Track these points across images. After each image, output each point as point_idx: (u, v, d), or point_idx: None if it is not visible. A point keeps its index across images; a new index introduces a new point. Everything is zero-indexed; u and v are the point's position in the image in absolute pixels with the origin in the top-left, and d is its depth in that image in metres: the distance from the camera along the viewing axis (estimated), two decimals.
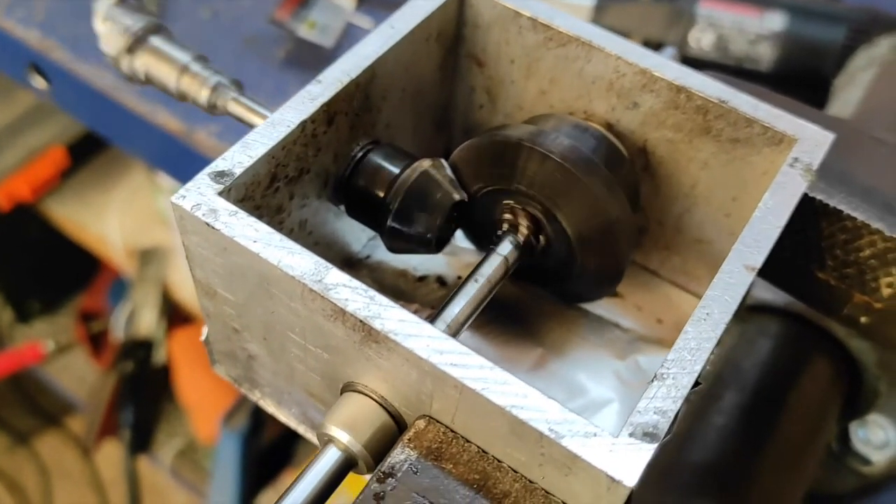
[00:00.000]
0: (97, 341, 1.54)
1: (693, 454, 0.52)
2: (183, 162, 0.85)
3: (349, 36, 0.85)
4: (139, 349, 1.38)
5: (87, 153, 1.34)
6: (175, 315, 1.40)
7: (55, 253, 1.51)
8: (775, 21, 0.75)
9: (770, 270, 0.43)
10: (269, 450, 1.33)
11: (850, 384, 0.58)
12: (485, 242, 0.44)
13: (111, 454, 1.54)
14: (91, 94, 0.84)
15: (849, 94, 0.70)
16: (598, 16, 0.80)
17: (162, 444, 1.50)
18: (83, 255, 1.44)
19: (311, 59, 0.85)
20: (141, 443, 1.44)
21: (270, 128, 0.37)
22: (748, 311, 0.58)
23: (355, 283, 0.32)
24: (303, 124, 0.38)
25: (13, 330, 1.58)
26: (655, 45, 0.77)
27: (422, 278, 0.48)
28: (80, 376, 1.58)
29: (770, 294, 0.56)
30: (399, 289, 0.48)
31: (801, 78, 0.75)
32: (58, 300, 1.60)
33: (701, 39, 0.76)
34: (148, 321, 1.36)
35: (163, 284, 1.36)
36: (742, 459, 0.52)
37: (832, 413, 0.58)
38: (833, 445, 0.62)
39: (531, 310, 0.47)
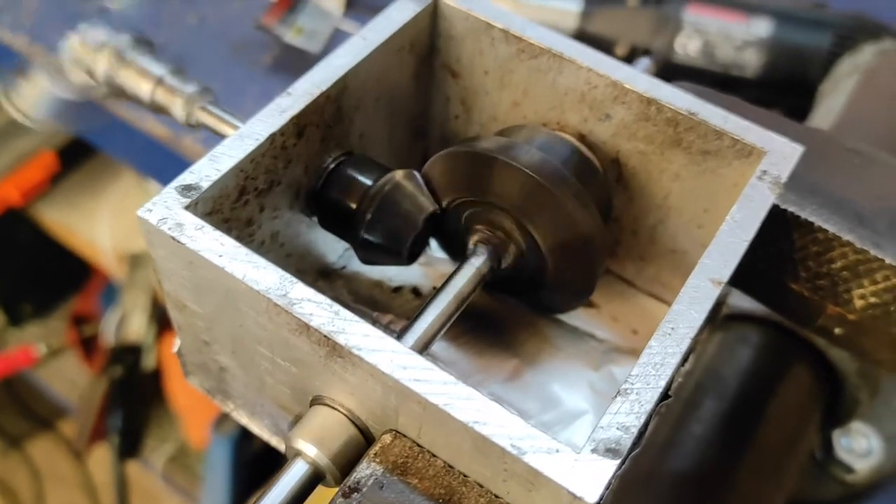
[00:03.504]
0: (89, 345, 1.54)
1: (672, 462, 0.52)
2: (170, 168, 0.85)
3: (337, 42, 0.85)
4: (129, 354, 1.38)
5: (76, 158, 1.34)
6: (165, 320, 1.40)
7: (47, 257, 1.51)
8: (761, 27, 0.75)
9: (744, 281, 0.43)
10: (260, 454, 1.33)
11: (831, 393, 0.58)
12: (458, 253, 0.44)
13: (103, 458, 1.53)
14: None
15: (833, 101, 0.70)
16: (585, 22, 0.80)
17: (153, 448, 1.50)
18: (76, 258, 1.44)
19: (299, 66, 0.85)
20: (130, 447, 1.44)
21: (239, 140, 0.37)
22: (728, 319, 0.58)
23: (320, 297, 0.32)
24: (272, 137, 0.38)
25: (5, 334, 1.57)
26: (642, 52, 0.77)
27: (397, 289, 0.48)
28: (72, 380, 1.57)
29: (750, 303, 0.56)
30: (374, 299, 0.48)
31: (787, 84, 0.76)
32: (50, 304, 1.60)
33: (687, 45, 0.76)
34: (138, 326, 1.36)
35: (153, 289, 1.36)
36: (721, 468, 0.52)
37: (812, 422, 0.58)
38: (816, 454, 0.62)
39: (506, 321, 0.47)
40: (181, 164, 0.82)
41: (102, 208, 1.34)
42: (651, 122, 0.41)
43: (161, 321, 1.39)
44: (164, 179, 0.92)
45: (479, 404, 0.30)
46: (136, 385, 1.40)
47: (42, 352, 1.50)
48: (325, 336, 0.32)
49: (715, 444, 0.53)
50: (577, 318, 0.47)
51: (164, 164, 0.86)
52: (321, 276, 0.48)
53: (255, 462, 1.32)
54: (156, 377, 1.44)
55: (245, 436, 1.27)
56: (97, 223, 1.33)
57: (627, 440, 0.30)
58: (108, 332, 1.41)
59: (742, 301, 0.57)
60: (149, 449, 1.49)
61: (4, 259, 1.51)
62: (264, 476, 1.34)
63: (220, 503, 1.33)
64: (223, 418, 1.27)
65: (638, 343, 0.47)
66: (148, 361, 1.40)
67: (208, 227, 0.34)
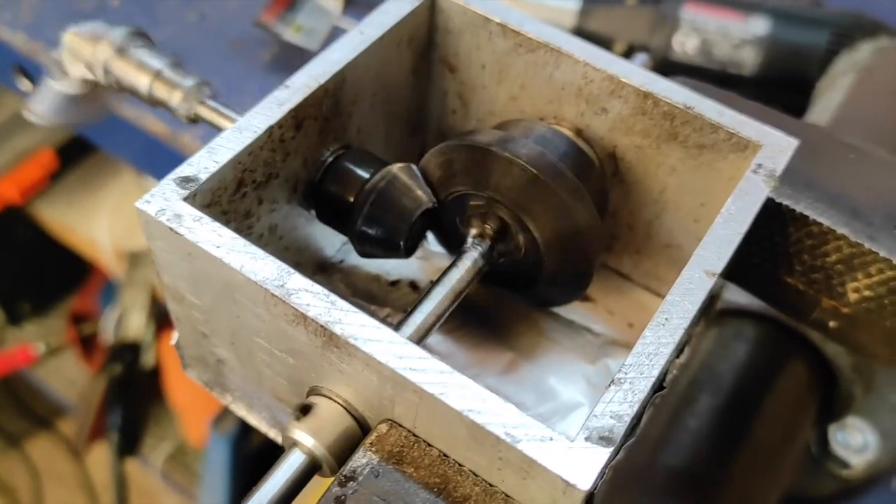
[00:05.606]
0: (88, 344, 1.54)
1: (667, 457, 0.52)
2: (168, 165, 0.85)
3: (335, 40, 0.85)
4: (128, 352, 1.38)
5: (75, 156, 1.35)
6: (164, 318, 1.40)
7: (46, 255, 1.51)
8: (759, 25, 0.75)
9: (740, 275, 0.44)
10: (259, 452, 1.33)
11: (826, 388, 0.59)
12: (455, 246, 0.44)
13: (102, 457, 1.53)
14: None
15: (829, 99, 0.70)
16: (583, 20, 0.80)
17: (152, 447, 1.50)
18: (75, 256, 1.44)
19: (297, 63, 0.84)
20: (129, 446, 1.44)
21: (237, 133, 0.37)
22: (724, 314, 0.58)
23: (317, 288, 0.33)
24: (270, 129, 0.38)
25: (4, 332, 1.57)
26: (640, 50, 0.77)
27: (394, 283, 0.48)
28: (71, 379, 1.58)
29: (746, 298, 0.57)
30: (372, 293, 0.48)
31: (784, 82, 0.76)
32: (49, 302, 1.60)
33: (685, 44, 0.77)
34: (137, 324, 1.36)
35: (152, 287, 1.36)
36: (716, 462, 0.53)
37: (807, 417, 0.58)
38: (812, 449, 0.62)
39: (502, 314, 0.47)
40: (179, 161, 0.83)
41: (101, 206, 1.34)
42: (647, 116, 0.41)
43: (160, 319, 1.39)
44: (163, 176, 0.92)
45: (473, 393, 0.30)
46: (135, 383, 1.40)
47: (41, 350, 1.51)
48: (322, 326, 0.32)
49: (710, 438, 0.53)
50: (573, 311, 0.48)
51: (162, 161, 0.87)
52: (319, 270, 0.48)
53: (254, 460, 1.32)
54: (155, 375, 1.44)
55: (244, 434, 1.27)
56: (96, 221, 1.33)
57: (620, 428, 0.30)
58: (107, 331, 1.41)
59: (737, 296, 0.57)
60: (148, 447, 1.50)
61: (3, 257, 1.51)
62: (263, 474, 1.34)
63: (219, 501, 1.33)
64: (222, 416, 1.27)
65: (634, 336, 0.47)
66: (147, 359, 1.40)
67: (206, 219, 0.34)
